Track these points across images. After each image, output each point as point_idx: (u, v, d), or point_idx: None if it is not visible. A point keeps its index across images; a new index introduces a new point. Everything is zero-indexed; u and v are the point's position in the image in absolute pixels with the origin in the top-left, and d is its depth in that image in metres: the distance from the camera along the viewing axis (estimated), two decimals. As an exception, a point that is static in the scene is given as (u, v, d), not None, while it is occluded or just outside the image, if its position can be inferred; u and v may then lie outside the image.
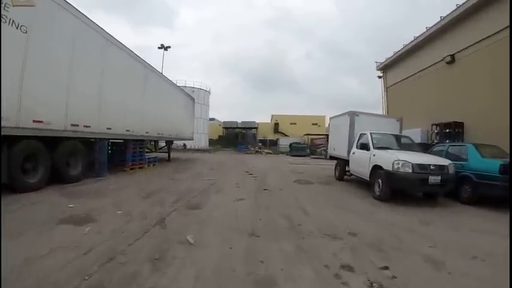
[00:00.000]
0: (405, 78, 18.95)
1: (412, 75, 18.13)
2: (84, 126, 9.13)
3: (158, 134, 15.63)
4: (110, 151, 12.53)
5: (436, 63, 15.99)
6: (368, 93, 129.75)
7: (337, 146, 12.15)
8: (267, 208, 6.37)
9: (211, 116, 65.04)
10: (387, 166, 7.91)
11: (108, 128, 10.45)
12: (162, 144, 19.73)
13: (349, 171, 11.50)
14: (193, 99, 24.44)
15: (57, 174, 8.08)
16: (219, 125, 63.96)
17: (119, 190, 7.79)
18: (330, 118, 13.52)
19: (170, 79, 18.24)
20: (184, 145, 44.60)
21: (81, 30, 8.72)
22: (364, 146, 9.39)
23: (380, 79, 45.74)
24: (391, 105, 20.49)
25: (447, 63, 15.08)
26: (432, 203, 8.11)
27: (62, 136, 8.21)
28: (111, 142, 12.47)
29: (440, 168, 7.90)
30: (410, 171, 7.63)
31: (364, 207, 7.20)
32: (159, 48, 41.43)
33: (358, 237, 4.72)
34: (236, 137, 61.38)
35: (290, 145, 39.18)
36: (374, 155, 8.74)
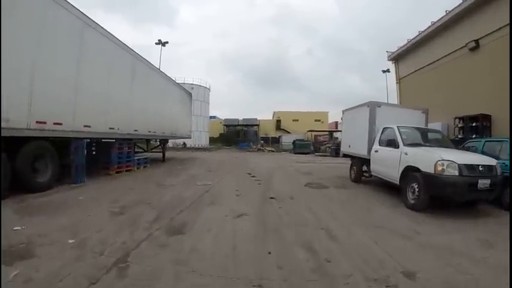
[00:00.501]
0: (421, 68, 17.11)
1: (429, 64, 16.30)
2: (55, 123, 7.47)
3: (149, 132, 13.91)
4: (94, 151, 10.95)
5: (457, 50, 14.18)
6: (370, 91, 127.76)
7: (354, 143, 10.42)
8: (277, 231, 4.63)
9: (212, 114, 63.31)
10: (427, 168, 6.22)
11: (86, 126, 8.76)
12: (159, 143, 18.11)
13: (366, 171, 9.89)
14: (191, 95, 22.72)
15: (20, 182, 6.46)
16: (220, 122, 62.15)
17: (89, 202, 6.08)
18: (344, 111, 11.79)
19: (165, 73, 16.58)
20: (184, 144, 42.94)
21: (51, 9, 7.08)
22: (391, 143, 7.70)
23: (384, 74, 44.10)
24: (404, 98, 18.66)
25: (470, 50, 13.28)
26: (471, 210, 6.58)
27: (24, 136, 6.56)
28: (97, 141, 10.86)
29: (489, 169, 6.24)
30: (457, 173, 5.97)
31: (401, 221, 5.50)
32: (156, 43, 39.60)
33: (419, 281, 3.05)
34: (237, 135, 59.71)
35: (293, 142, 37.26)
36: (406, 154, 7.04)
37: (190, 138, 23.31)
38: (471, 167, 6.08)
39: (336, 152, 28.74)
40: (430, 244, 4.24)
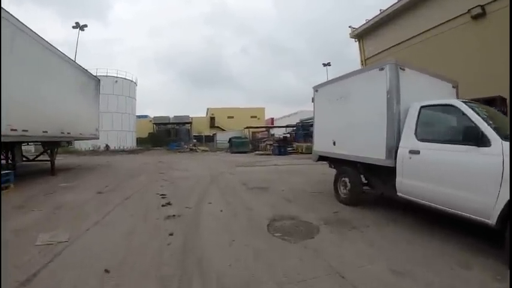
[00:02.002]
0: (397, 44, 13.42)
1: (410, 38, 12.74)
2: None
3: (14, 130, 7.98)
4: None
5: (452, 19, 10.77)
6: (306, 87, 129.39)
7: (346, 138, 5.87)
8: None
9: (144, 113, 55.63)
10: None
11: None
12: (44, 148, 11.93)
13: (368, 185, 5.65)
14: (98, 81, 16.41)
15: None
16: (150, 121, 54.63)
17: None
18: (317, 87, 7.14)
19: (53, 45, 10.58)
20: (107, 146, 35.28)
21: None
22: (468, 134, 3.38)
23: (325, 67, 41.49)
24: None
25: (473, 17, 9.92)
26: None
27: None
28: None
29: None
30: None
31: None
32: (73, 27, 31.67)
33: None
34: (168, 134, 52.99)
35: (229, 140, 32.05)
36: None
37: (98, 138, 16.81)
38: None
39: (279, 150, 24.72)
40: None
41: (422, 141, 4.08)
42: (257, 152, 28.27)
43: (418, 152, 4.07)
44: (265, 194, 7.05)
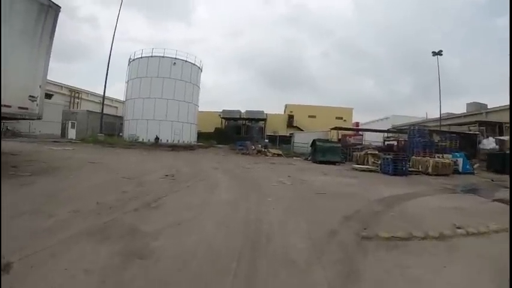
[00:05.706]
0: None
1: None
2: None
3: None
4: None
5: None
6: (386, 96, 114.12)
7: None
8: None
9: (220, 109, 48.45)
10: None
11: None
12: None
13: None
14: (50, 7, 8.13)
15: None
16: (218, 115, 47.72)
17: None
18: None
19: None
20: (157, 138, 28.26)
21: None
22: None
23: (436, 56, 29.03)
24: None
25: None
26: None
27: None
28: None
29: None
30: None
31: None
32: None
33: None
34: (238, 131, 45.62)
35: (313, 143, 22.05)
36: None
37: (39, 117, 8.28)
38: None
39: (394, 167, 14.16)
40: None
41: None
42: (354, 165, 17.98)
43: None
44: None
